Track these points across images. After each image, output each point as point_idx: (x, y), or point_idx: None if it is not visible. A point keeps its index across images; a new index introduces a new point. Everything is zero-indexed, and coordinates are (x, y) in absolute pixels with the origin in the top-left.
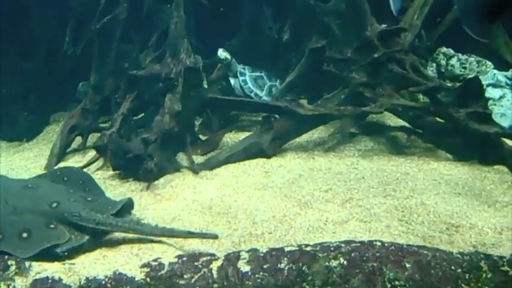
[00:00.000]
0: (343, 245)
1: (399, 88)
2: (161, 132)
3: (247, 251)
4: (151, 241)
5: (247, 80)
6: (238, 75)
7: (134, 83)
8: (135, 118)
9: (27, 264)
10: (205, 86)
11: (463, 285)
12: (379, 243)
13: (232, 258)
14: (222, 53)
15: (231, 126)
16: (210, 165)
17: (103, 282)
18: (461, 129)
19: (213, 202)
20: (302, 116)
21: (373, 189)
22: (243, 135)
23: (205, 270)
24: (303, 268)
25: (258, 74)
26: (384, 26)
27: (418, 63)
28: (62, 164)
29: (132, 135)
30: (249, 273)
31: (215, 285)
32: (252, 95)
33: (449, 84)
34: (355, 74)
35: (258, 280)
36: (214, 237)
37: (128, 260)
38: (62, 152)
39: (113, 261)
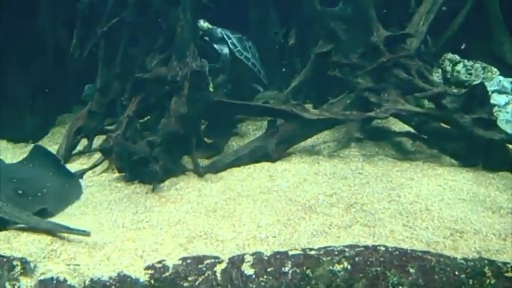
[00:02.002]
0: (347, 249)
1: (405, 93)
2: (167, 135)
3: (252, 254)
4: (156, 243)
5: (236, 43)
6: (226, 38)
7: (140, 86)
8: (140, 121)
9: (32, 264)
10: (211, 89)
11: None
12: (383, 248)
13: (236, 261)
14: (203, 24)
15: (236, 129)
16: (215, 169)
17: (107, 283)
18: (467, 135)
19: (218, 205)
20: (307, 121)
21: (377, 194)
22: (248, 139)
23: (210, 272)
24: (307, 272)
25: (238, 35)
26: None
27: (423, 69)
28: (68, 166)
29: (138, 138)
30: (253, 276)
31: None
32: (242, 58)
33: (454, 90)
34: (361, 79)
35: (262, 283)
36: (87, 234)
37: (133, 261)
38: (67, 154)
39: (117, 263)
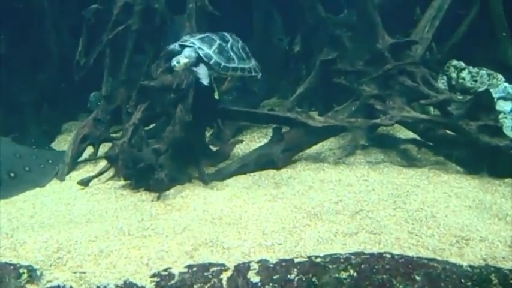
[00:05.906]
0: (353, 256)
1: (410, 101)
2: (172, 143)
3: (257, 262)
4: (162, 250)
5: (228, 66)
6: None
7: (146, 94)
8: (146, 128)
9: (38, 272)
10: (216, 97)
11: None
12: (389, 255)
13: (242, 269)
14: (181, 62)
15: (241, 137)
16: (221, 176)
17: None
18: (472, 142)
19: (223, 213)
20: (313, 128)
21: (383, 201)
22: (253, 146)
23: (215, 280)
24: (313, 279)
25: (217, 43)
26: None
27: (428, 75)
28: (74, 174)
29: (143, 146)
30: (259, 284)
31: None
32: (239, 72)
33: (460, 97)
34: (366, 86)
35: None
36: None
37: (138, 269)
38: (73, 162)
39: (123, 271)
